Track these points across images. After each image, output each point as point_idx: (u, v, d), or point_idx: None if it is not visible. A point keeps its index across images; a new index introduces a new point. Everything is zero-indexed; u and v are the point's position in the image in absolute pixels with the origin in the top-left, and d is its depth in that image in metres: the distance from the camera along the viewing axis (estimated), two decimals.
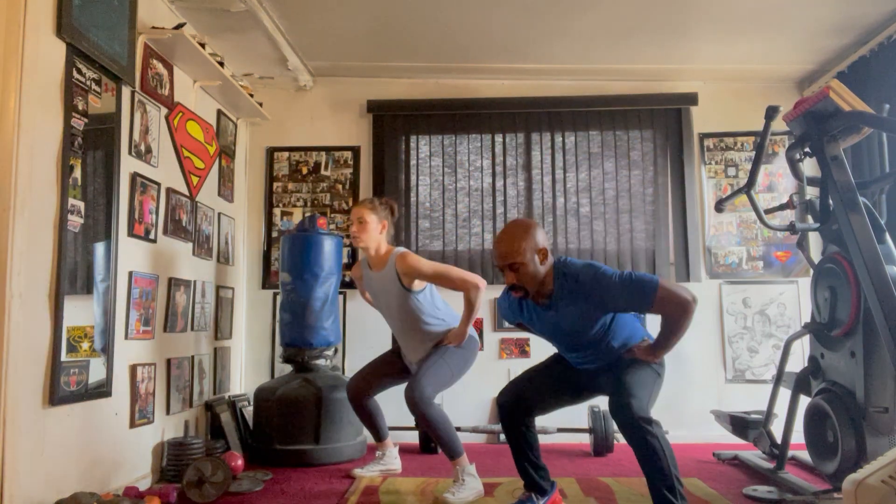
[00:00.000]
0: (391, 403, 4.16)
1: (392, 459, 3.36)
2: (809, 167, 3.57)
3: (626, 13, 3.68)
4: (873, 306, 2.60)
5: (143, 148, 3.16)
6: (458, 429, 4.12)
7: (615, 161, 4.51)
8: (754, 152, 4.17)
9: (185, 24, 3.43)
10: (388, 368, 3.31)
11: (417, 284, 3.06)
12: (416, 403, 2.88)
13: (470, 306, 3.02)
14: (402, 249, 3.10)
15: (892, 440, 2.61)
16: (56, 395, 2.44)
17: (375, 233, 3.10)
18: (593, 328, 2.35)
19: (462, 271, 3.06)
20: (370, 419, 3.35)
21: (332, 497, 2.91)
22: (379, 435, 3.37)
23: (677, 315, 2.24)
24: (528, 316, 2.49)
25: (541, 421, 4.23)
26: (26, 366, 2.32)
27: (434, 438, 2.99)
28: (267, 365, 4.49)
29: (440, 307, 3.17)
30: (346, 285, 4.43)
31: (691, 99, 4.48)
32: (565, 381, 2.57)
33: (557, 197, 4.48)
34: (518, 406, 2.52)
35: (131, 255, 3.04)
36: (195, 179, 3.71)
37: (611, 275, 2.26)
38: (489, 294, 4.41)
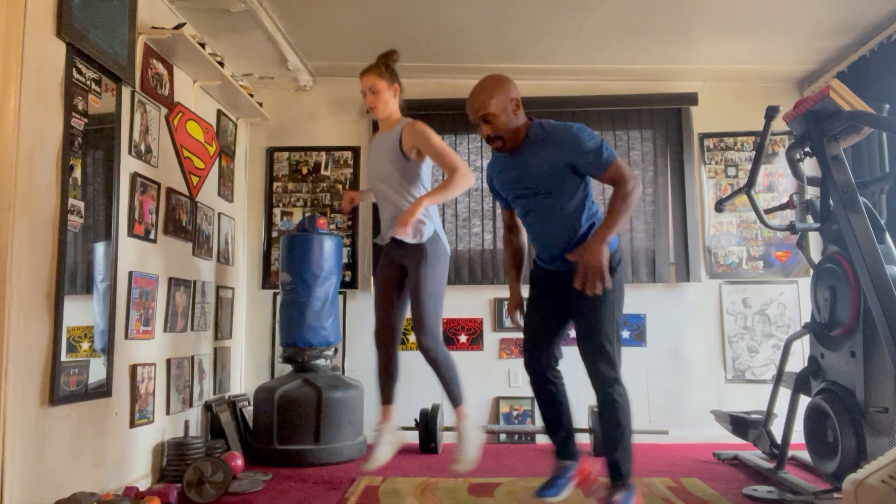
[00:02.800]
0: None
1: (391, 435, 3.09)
2: (809, 167, 3.57)
3: (627, 13, 3.68)
4: (873, 306, 2.60)
5: (143, 148, 3.16)
6: None
7: None
8: (754, 152, 4.17)
9: (185, 24, 3.44)
10: (389, 289, 3.07)
11: (415, 156, 2.93)
12: (429, 350, 2.89)
13: (446, 184, 2.85)
14: (414, 120, 3.00)
15: (892, 440, 2.61)
16: (56, 395, 2.44)
17: (390, 98, 3.00)
18: (553, 184, 2.38)
19: (461, 160, 2.91)
20: (388, 370, 3.06)
21: (332, 497, 2.91)
22: (389, 396, 3.09)
23: (625, 187, 2.32)
24: (500, 169, 2.53)
25: (540, 420, 4.24)
26: (26, 366, 2.32)
27: (441, 381, 2.96)
28: (267, 365, 4.49)
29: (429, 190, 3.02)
30: (346, 285, 4.43)
31: (691, 99, 4.48)
32: (549, 309, 2.57)
33: None
34: (539, 359, 2.57)
35: (131, 255, 3.04)
36: (195, 179, 3.71)
37: (582, 133, 2.34)
38: (489, 294, 4.44)
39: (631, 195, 2.32)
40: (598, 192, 4.30)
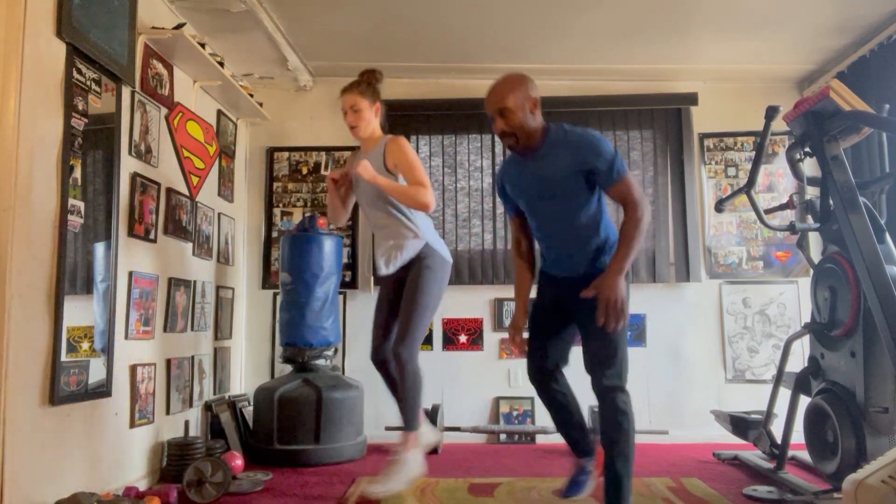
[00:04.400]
0: (390, 403, 4.17)
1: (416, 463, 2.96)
2: (809, 167, 3.57)
3: (626, 13, 3.68)
4: (873, 306, 2.60)
5: (143, 148, 3.16)
6: (458, 429, 4.14)
7: None
8: (754, 152, 4.17)
9: (185, 24, 3.44)
10: (385, 313, 3.05)
11: (397, 171, 2.93)
12: (403, 360, 2.78)
13: (409, 190, 2.85)
14: (396, 136, 2.98)
15: (892, 440, 2.61)
16: (56, 395, 2.44)
17: (371, 118, 2.99)
18: (568, 191, 2.34)
19: (429, 183, 2.88)
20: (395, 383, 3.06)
21: (332, 497, 2.90)
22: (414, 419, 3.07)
23: (635, 211, 2.29)
24: (515, 176, 2.48)
25: (540, 421, 4.25)
26: (26, 366, 2.32)
27: (403, 398, 2.84)
28: (267, 365, 4.48)
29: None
30: (346, 285, 4.43)
31: (691, 99, 4.48)
32: (555, 318, 2.51)
33: None
34: (545, 366, 2.51)
35: (131, 255, 3.04)
36: (195, 179, 3.71)
37: (601, 141, 2.30)
38: (489, 294, 4.43)
39: (642, 220, 2.28)
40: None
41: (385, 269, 3.00)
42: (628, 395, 2.31)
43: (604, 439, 2.31)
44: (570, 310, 2.47)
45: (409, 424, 2.85)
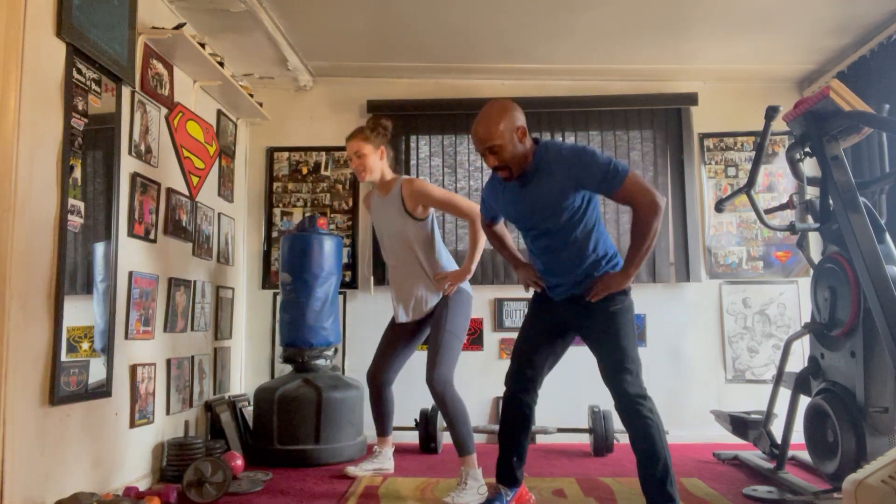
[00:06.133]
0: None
1: (386, 459, 3.34)
2: (809, 167, 3.57)
3: (626, 13, 3.68)
4: (873, 306, 2.60)
5: (143, 148, 3.16)
6: None
7: None
8: (754, 152, 4.17)
9: (185, 24, 3.44)
10: (396, 339, 3.20)
11: (421, 212, 2.99)
12: (438, 388, 2.87)
13: (475, 238, 2.96)
14: (410, 176, 3.04)
15: (892, 440, 2.61)
16: (56, 395, 2.44)
17: (377, 162, 3.04)
18: (564, 211, 2.31)
19: (469, 202, 3.00)
20: (382, 408, 3.27)
21: (332, 497, 2.91)
22: (384, 429, 3.32)
23: (645, 208, 2.24)
24: (504, 196, 2.47)
25: (541, 420, 4.25)
26: (26, 366, 2.32)
27: (449, 426, 2.91)
28: (267, 365, 4.49)
29: (440, 250, 3.07)
30: (346, 285, 4.43)
31: (691, 99, 4.48)
32: (550, 326, 2.51)
33: None
34: (524, 377, 2.49)
35: (131, 255, 3.04)
36: (195, 179, 3.71)
37: (594, 153, 2.29)
38: (489, 294, 4.43)
39: (649, 219, 2.22)
40: None
41: (406, 318, 3.11)
42: (653, 402, 2.27)
43: (636, 452, 2.26)
44: (573, 327, 2.48)
45: (461, 451, 2.88)
